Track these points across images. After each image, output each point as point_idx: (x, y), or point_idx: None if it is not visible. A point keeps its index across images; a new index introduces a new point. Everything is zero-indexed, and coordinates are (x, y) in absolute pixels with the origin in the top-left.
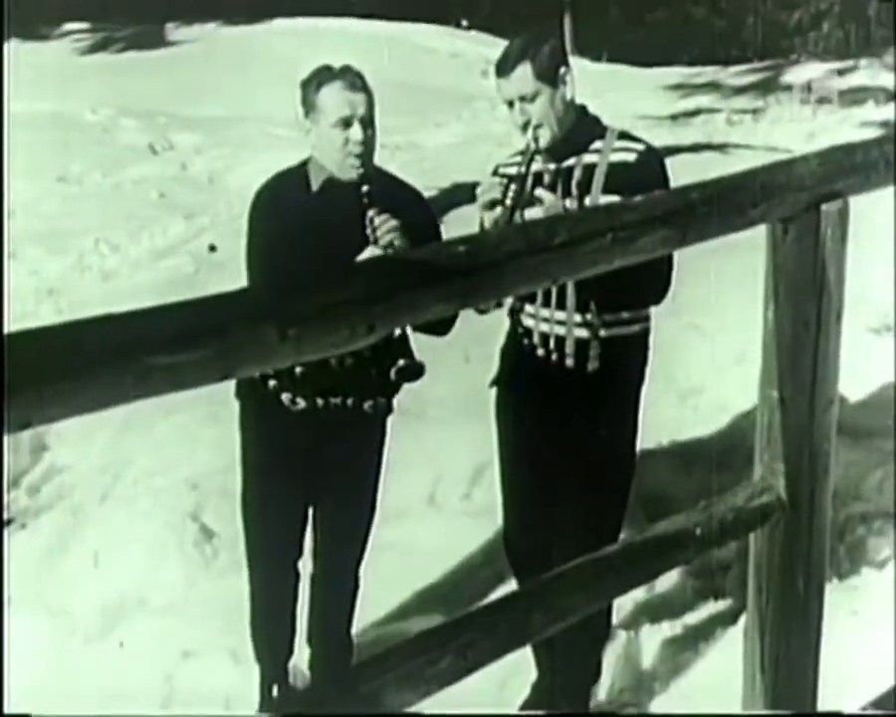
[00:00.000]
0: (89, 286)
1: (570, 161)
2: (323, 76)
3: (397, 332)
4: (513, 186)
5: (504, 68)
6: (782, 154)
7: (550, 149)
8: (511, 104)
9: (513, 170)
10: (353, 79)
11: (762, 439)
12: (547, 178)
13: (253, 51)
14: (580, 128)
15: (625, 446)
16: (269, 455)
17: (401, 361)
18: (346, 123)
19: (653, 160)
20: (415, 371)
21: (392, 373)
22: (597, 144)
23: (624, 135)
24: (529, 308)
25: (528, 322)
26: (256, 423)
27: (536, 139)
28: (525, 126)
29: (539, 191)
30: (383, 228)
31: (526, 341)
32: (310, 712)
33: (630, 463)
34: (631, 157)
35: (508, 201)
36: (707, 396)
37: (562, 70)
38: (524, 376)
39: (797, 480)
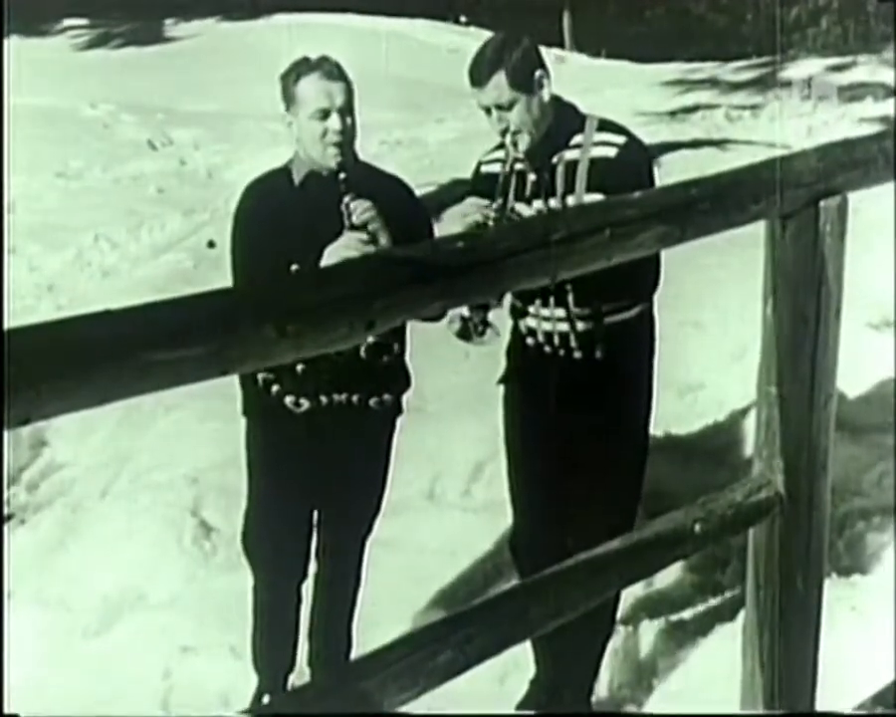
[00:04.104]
0: (88, 282)
1: (553, 160)
2: (300, 68)
3: None
4: (494, 206)
5: (478, 77)
6: (781, 150)
7: (530, 152)
8: (488, 110)
9: (495, 168)
10: (330, 68)
11: (760, 435)
12: (529, 183)
13: (252, 46)
14: (559, 124)
15: (640, 430)
16: (277, 467)
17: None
18: (325, 114)
19: (634, 154)
20: (385, 349)
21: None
22: (577, 138)
23: (604, 126)
24: (529, 309)
25: (530, 322)
26: (263, 437)
27: (514, 145)
28: (503, 133)
29: (519, 207)
30: (358, 211)
31: (531, 339)
32: (309, 708)
33: (644, 446)
34: (612, 152)
35: (490, 223)
36: (706, 392)
37: (538, 74)
38: (533, 373)
39: (796, 476)
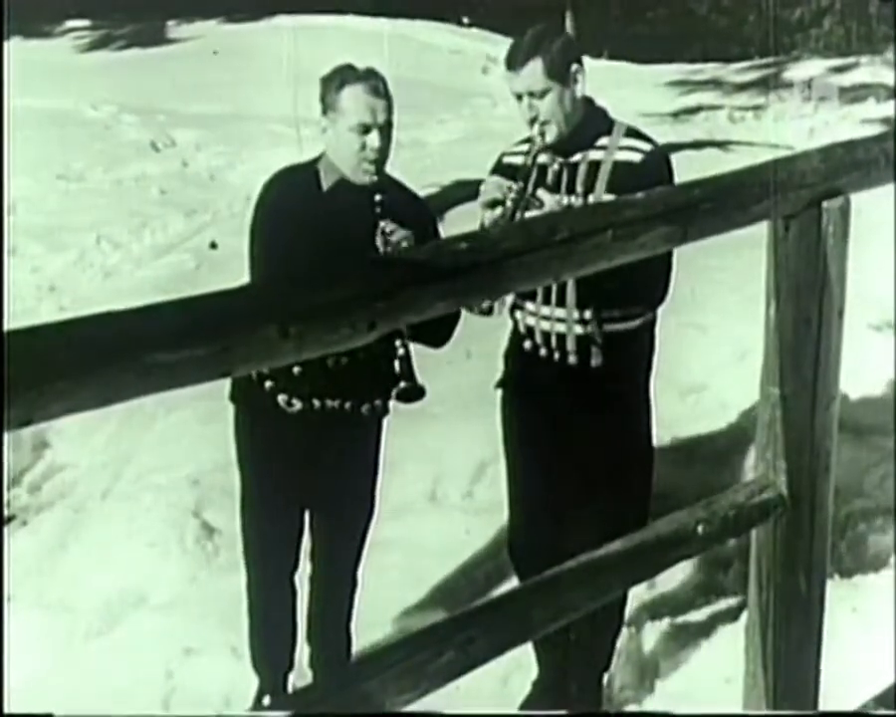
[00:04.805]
0: (90, 283)
1: (576, 157)
2: (346, 75)
3: (401, 351)
4: (514, 187)
5: (514, 61)
6: (783, 151)
7: (555, 145)
8: (519, 97)
9: (518, 160)
10: (377, 83)
11: (763, 436)
12: (551, 175)
13: (254, 48)
14: (587, 123)
15: (637, 439)
16: (265, 461)
17: (402, 384)
18: (366, 129)
19: (658, 163)
20: (416, 394)
21: (393, 395)
22: (603, 141)
23: (632, 133)
24: (529, 305)
25: (529, 320)
26: (251, 428)
27: (542, 134)
28: (532, 122)
29: (539, 192)
30: (395, 239)
31: (528, 341)
32: (311, 709)
33: (646, 455)
34: (636, 158)
35: (508, 202)
36: (708, 394)
37: (574, 67)
38: (529, 377)
39: (799, 477)
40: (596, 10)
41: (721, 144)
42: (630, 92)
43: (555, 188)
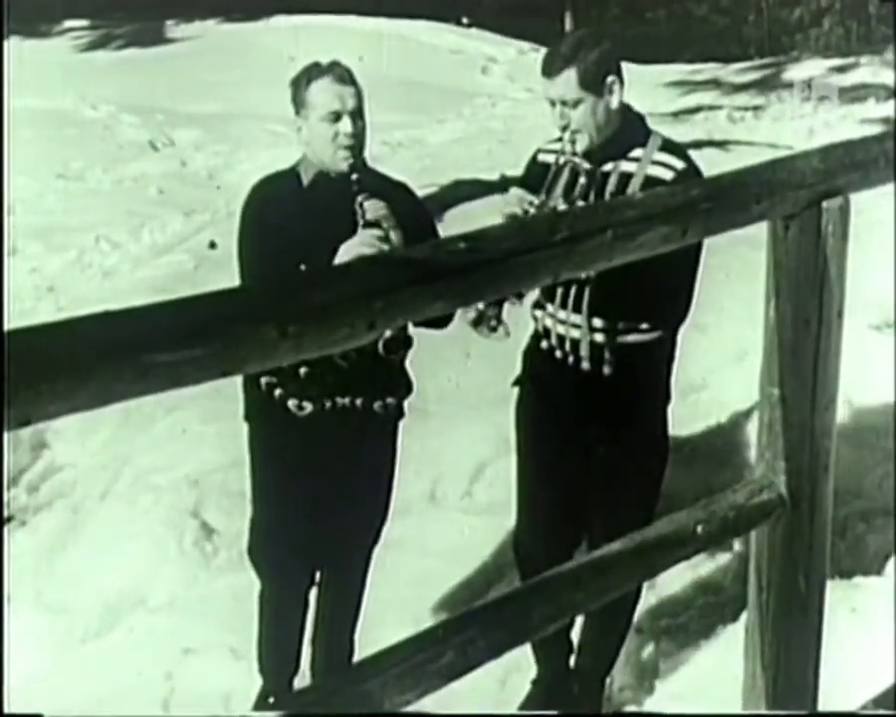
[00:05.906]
0: (89, 283)
1: (607, 167)
2: (312, 72)
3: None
4: (535, 202)
5: (549, 69)
6: (783, 151)
7: (586, 154)
8: (553, 103)
9: (551, 158)
10: (342, 73)
11: (762, 436)
12: (579, 185)
13: (253, 47)
14: (622, 134)
15: (648, 447)
16: (280, 472)
17: (388, 333)
18: (336, 117)
19: None
20: (403, 342)
21: (380, 346)
22: (637, 152)
23: (667, 147)
24: (549, 307)
25: (547, 322)
26: (265, 441)
27: (572, 142)
28: (563, 129)
29: (561, 208)
30: (372, 210)
31: (545, 342)
32: (312, 709)
33: (656, 463)
34: (668, 176)
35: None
36: (708, 394)
37: (610, 78)
38: (544, 378)
39: (798, 477)
40: (596, 11)
41: (720, 144)
42: (630, 92)
43: (582, 198)
